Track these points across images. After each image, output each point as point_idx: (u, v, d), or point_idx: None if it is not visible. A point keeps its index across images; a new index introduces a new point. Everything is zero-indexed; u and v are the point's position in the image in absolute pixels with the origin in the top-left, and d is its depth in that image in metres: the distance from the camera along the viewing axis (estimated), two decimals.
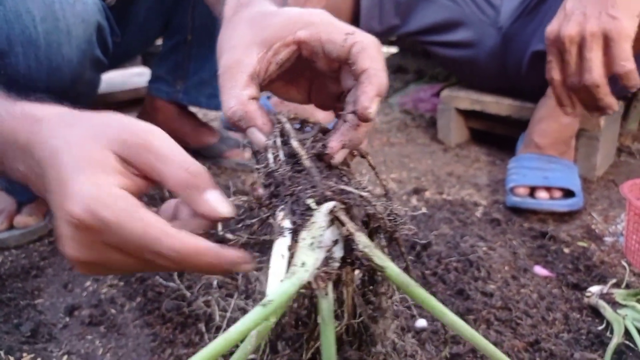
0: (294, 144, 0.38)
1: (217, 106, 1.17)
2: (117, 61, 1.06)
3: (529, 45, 1.01)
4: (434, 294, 0.65)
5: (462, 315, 0.59)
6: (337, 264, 0.33)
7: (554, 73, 0.67)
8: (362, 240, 0.33)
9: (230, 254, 0.33)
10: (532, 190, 0.92)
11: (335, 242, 0.33)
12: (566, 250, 0.77)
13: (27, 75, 0.67)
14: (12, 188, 0.89)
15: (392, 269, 0.33)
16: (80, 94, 0.78)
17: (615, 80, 0.93)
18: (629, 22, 0.60)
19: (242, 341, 0.29)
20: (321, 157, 0.38)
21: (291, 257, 0.31)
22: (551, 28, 0.66)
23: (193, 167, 0.35)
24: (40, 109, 0.39)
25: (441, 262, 0.70)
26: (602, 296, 0.62)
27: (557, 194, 0.91)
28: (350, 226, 0.33)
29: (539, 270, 0.70)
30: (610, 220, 0.89)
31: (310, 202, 0.34)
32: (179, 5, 1.09)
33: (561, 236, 0.81)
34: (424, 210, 0.91)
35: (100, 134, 0.35)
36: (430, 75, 1.64)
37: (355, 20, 1.25)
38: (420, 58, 1.69)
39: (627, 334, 0.57)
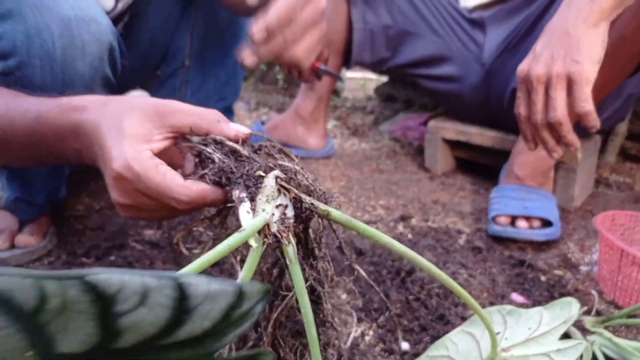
0: (230, 143, 0.48)
1: None
2: (122, 87, 1.11)
3: (509, 82, 1.07)
4: (416, 318, 0.69)
5: None
6: (291, 220, 0.41)
7: (522, 109, 0.73)
8: (306, 198, 0.42)
9: (220, 191, 0.46)
10: (513, 219, 0.97)
11: (286, 206, 0.41)
12: (543, 278, 0.81)
13: (42, 86, 0.71)
14: (15, 207, 0.92)
15: (335, 212, 0.42)
16: None
17: (602, 107, 0.99)
18: (590, 67, 0.66)
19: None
20: (256, 151, 0.48)
21: (254, 211, 0.40)
22: (521, 67, 0.72)
23: (213, 112, 0.49)
24: (80, 98, 0.53)
25: (424, 288, 0.74)
26: (573, 323, 0.67)
27: (536, 223, 0.96)
28: (295, 190, 0.42)
29: (516, 297, 0.74)
30: (586, 250, 0.94)
31: (259, 172, 0.43)
32: (178, 32, 1.14)
33: (539, 264, 0.86)
34: (409, 237, 0.95)
35: (133, 109, 0.48)
36: (419, 104, 1.70)
37: (347, 51, 1.32)
38: (410, 88, 1.75)
39: (595, 359, 0.61)
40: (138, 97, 0.51)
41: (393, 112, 1.72)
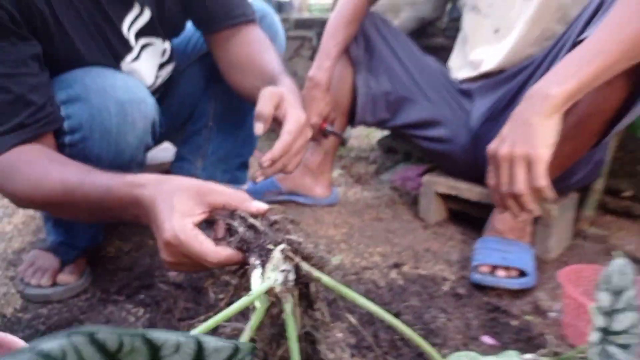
0: (251, 220, 0.62)
1: (229, 180, 1.37)
2: (155, 142, 1.28)
3: None
4: (400, 355, 0.82)
5: None
6: (292, 283, 0.54)
7: (491, 181, 0.87)
8: (304, 265, 0.56)
9: (242, 256, 0.61)
10: (493, 269, 1.10)
11: (289, 271, 0.55)
12: (513, 323, 0.93)
13: (98, 155, 0.87)
14: (57, 249, 1.07)
15: (325, 277, 0.56)
16: (132, 170, 0.97)
17: (564, 178, 1.13)
18: (544, 151, 0.80)
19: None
20: (272, 224, 0.62)
21: (263, 277, 0.54)
22: (491, 147, 0.86)
23: (240, 193, 0.65)
24: (141, 177, 0.69)
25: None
26: None
27: (514, 273, 1.08)
28: (297, 259, 0.56)
29: (487, 339, 0.86)
30: (556, 298, 1.05)
31: (270, 246, 0.57)
32: (203, 98, 1.31)
33: (512, 310, 0.98)
34: (400, 282, 1.08)
35: (181, 188, 0.64)
36: (417, 157, 1.85)
37: (352, 112, 1.48)
38: (409, 142, 1.91)
39: None
40: (184, 178, 0.66)
41: (393, 163, 1.87)
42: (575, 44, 0.89)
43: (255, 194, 1.51)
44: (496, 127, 1.22)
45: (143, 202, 0.65)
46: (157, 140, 1.08)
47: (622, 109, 0.94)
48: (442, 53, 1.55)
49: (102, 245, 1.23)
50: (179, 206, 0.62)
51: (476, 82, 1.30)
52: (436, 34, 1.69)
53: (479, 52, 1.28)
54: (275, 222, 0.63)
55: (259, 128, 0.80)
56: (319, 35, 1.92)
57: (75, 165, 0.76)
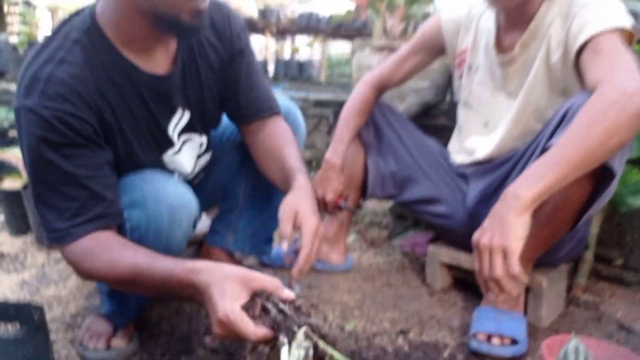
0: (281, 305, 0.82)
1: (256, 252, 1.56)
2: None
3: None
4: None
5: None
6: (311, 356, 0.74)
7: (476, 265, 1.03)
8: (321, 344, 0.76)
9: (273, 333, 0.80)
10: (489, 337, 1.24)
11: (309, 347, 0.75)
12: None
13: (151, 247, 1.05)
14: (111, 316, 1.25)
15: (337, 354, 0.76)
16: (177, 254, 1.16)
17: (551, 254, 1.28)
18: (517, 243, 0.97)
19: None
20: (297, 309, 0.82)
21: (289, 353, 0.74)
22: (474, 236, 1.03)
23: (275, 280, 0.85)
24: (198, 264, 0.87)
25: None
26: None
27: (507, 341, 1.22)
28: (315, 337, 0.76)
29: None
30: None
31: (294, 328, 0.78)
32: (235, 179, 1.52)
33: None
34: (405, 349, 1.23)
35: (230, 276, 0.83)
36: (425, 224, 2.02)
37: (364, 187, 1.67)
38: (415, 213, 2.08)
39: None
40: (231, 267, 0.86)
41: (404, 228, 2.04)
42: (544, 150, 1.08)
43: (279, 260, 1.69)
44: (488, 207, 1.39)
45: (199, 285, 0.84)
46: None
47: (589, 199, 1.11)
48: (444, 132, 1.75)
49: (146, 311, 1.41)
50: (229, 291, 0.81)
51: (470, 168, 1.48)
52: (438, 115, 1.90)
53: (471, 141, 1.47)
54: (300, 307, 0.82)
55: (284, 245, 1.01)
56: (335, 113, 2.14)
57: (143, 250, 0.95)
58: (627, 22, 1.11)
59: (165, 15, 0.94)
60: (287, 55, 7.15)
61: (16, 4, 4.20)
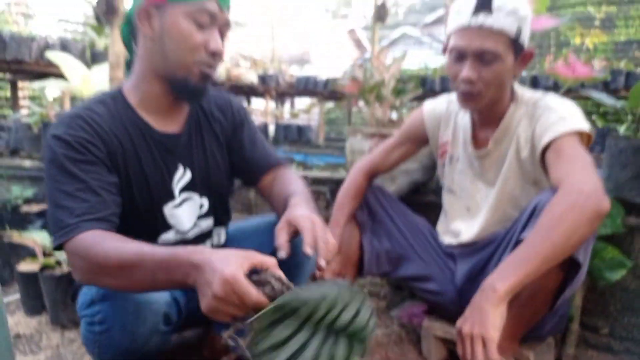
0: (281, 277, 0.87)
1: None
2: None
3: None
4: None
5: None
6: None
7: (459, 350, 1.13)
8: None
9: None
10: None
11: None
12: None
13: (118, 341, 1.13)
14: None
15: None
16: (152, 346, 1.22)
17: (536, 329, 1.38)
18: (493, 332, 1.07)
19: None
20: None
21: None
22: (457, 324, 1.13)
23: (271, 259, 0.89)
24: (198, 248, 0.91)
25: None
26: None
27: None
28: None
29: None
30: None
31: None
32: None
33: None
34: None
35: (231, 251, 0.88)
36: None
37: (360, 265, 1.78)
38: None
39: None
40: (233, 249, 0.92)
41: (401, 299, 2.13)
42: (517, 241, 1.20)
43: None
44: (475, 286, 1.50)
45: (201, 262, 0.86)
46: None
47: (562, 284, 1.23)
48: (433, 208, 1.88)
49: None
50: (234, 259, 0.85)
51: (457, 249, 1.61)
52: (428, 193, 2.04)
53: (456, 224, 1.60)
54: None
55: (281, 254, 1.02)
56: (332, 190, 2.29)
57: (148, 243, 0.99)
58: (585, 125, 1.27)
59: (177, 76, 1.16)
60: (286, 120, 7.42)
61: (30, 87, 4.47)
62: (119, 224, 1.12)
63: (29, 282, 2.07)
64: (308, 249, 0.99)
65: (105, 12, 2.49)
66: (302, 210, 1.09)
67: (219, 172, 1.37)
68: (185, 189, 1.31)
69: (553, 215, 1.11)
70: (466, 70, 1.30)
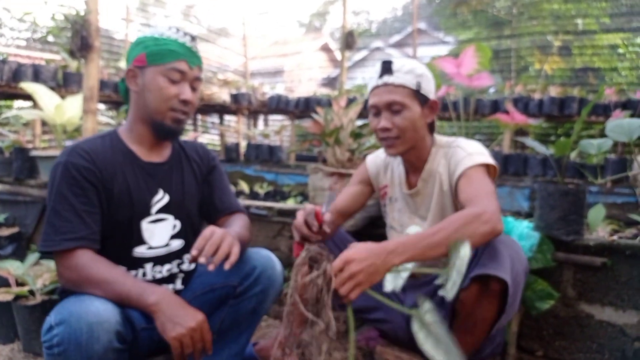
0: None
1: None
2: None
3: None
4: None
5: None
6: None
7: (330, 271, 1.27)
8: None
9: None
10: None
11: None
12: None
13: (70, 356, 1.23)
14: None
15: None
16: None
17: (478, 352, 1.55)
18: (367, 287, 1.24)
19: None
20: None
21: None
22: (346, 255, 1.25)
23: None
24: (155, 286, 1.28)
25: None
26: None
27: None
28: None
29: None
30: None
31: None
32: (213, 317, 1.57)
33: None
34: None
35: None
36: None
37: None
38: None
39: None
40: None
41: (360, 323, 2.28)
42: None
43: None
44: None
45: (158, 298, 1.25)
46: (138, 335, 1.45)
47: (497, 315, 1.41)
48: (387, 239, 2.04)
49: None
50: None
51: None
52: (381, 226, 2.21)
53: None
54: None
55: (201, 260, 1.27)
56: None
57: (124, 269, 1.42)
58: (489, 159, 1.53)
59: (155, 120, 1.46)
60: (258, 139, 7.56)
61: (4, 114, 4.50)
62: (99, 238, 1.40)
63: (3, 311, 2.15)
64: (194, 252, 1.27)
65: (80, 48, 2.60)
66: (224, 226, 1.40)
67: (193, 201, 1.61)
68: (162, 210, 1.53)
69: (457, 218, 1.28)
70: (382, 121, 1.57)
